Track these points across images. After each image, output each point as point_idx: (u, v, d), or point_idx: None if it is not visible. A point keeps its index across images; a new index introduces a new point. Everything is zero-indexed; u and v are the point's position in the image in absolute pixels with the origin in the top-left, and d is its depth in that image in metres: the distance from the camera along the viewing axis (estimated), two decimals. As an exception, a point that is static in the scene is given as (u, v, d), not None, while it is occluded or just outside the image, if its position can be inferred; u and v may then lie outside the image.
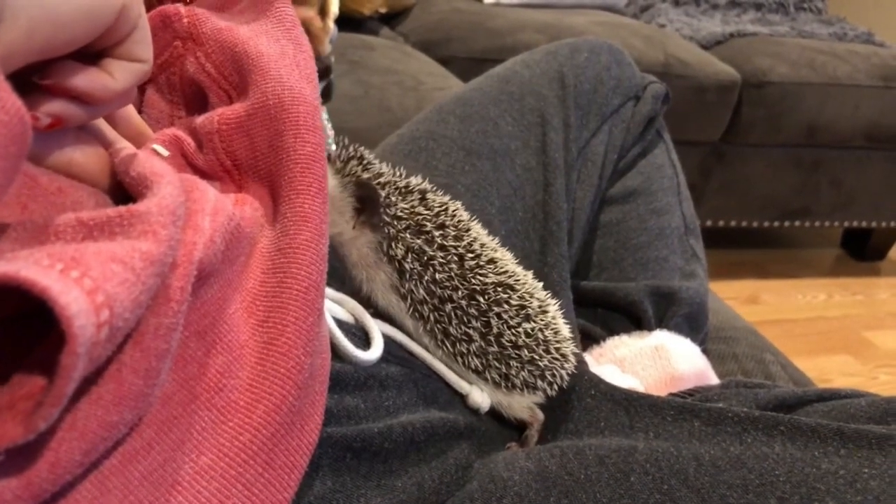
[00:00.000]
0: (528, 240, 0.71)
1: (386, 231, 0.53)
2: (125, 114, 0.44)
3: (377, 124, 1.29)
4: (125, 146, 0.41)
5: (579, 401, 0.58)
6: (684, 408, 0.53)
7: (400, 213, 0.54)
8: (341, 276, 0.57)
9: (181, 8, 0.49)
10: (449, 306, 0.53)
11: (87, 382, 0.29)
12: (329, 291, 0.51)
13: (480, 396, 0.55)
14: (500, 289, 0.54)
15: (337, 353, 0.46)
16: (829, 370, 2.11)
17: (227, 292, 0.39)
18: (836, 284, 2.55)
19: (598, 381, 0.59)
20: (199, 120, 0.46)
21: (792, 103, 2.23)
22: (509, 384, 0.55)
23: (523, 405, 0.57)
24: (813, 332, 2.28)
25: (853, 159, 2.40)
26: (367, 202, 0.53)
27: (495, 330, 0.54)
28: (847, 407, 0.54)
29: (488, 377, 0.55)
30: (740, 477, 0.45)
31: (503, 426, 0.59)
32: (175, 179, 0.36)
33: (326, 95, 1.35)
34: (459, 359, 0.54)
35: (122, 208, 0.32)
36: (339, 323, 0.49)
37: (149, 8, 0.54)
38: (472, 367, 0.54)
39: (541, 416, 0.58)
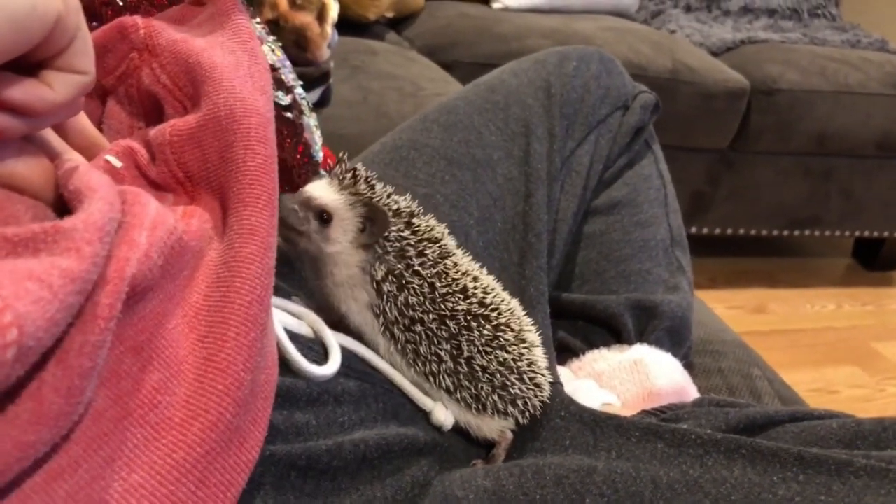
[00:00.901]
0: (506, 251, 0.70)
1: (375, 251, 0.53)
2: (77, 125, 0.43)
3: (373, 130, 1.29)
4: (73, 158, 0.41)
5: (548, 421, 0.57)
6: (649, 429, 0.52)
7: (390, 237, 0.53)
8: (310, 290, 0.57)
9: (138, 19, 0.49)
10: (419, 327, 0.53)
11: (4, 400, 0.29)
12: (289, 305, 0.51)
13: (444, 414, 0.55)
14: (470, 317, 0.54)
15: (290, 368, 0.46)
16: (836, 381, 2.08)
17: (168, 307, 0.38)
18: (845, 294, 2.52)
19: (569, 403, 0.58)
20: (153, 132, 0.46)
21: (802, 111, 2.21)
22: (480, 406, 0.55)
23: (493, 427, 0.56)
24: (821, 342, 2.26)
25: (864, 168, 2.37)
26: (373, 224, 0.53)
27: (466, 353, 0.53)
28: (817, 429, 0.53)
29: (459, 397, 0.54)
30: (696, 502, 0.44)
31: (470, 442, 0.58)
32: (109, 194, 0.35)
33: (324, 101, 1.35)
34: (431, 378, 0.54)
35: (47, 224, 0.32)
36: (297, 337, 0.48)
37: (102, 17, 0.54)
38: (444, 386, 0.54)
39: (510, 436, 0.57)
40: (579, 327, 0.76)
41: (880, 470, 0.44)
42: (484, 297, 0.55)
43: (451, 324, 0.53)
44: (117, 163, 0.44)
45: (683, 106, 2.10)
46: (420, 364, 0.53)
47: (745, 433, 0.54)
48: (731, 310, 2.32)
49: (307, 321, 0.50)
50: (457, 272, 0.55)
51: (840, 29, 2.80)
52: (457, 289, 0.54)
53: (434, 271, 0.54)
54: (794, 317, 2.36)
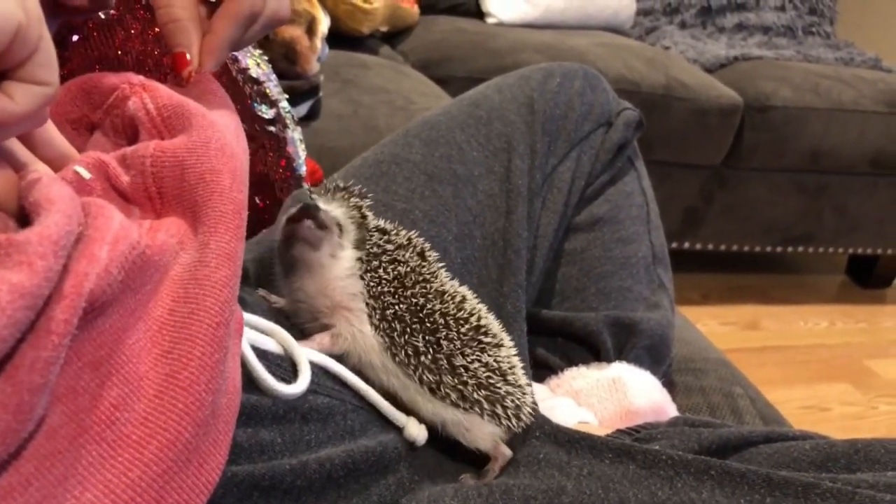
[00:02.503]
0: (485, 268, 0.70)
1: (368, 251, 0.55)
2: (45, 136, 0.43)
3: (362, 143, 1.29)
4: (38, 169, 0.41)
5: (522, 440, 0.57)
6: (622, 450, 0.52)
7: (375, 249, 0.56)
8: (291, 291, 0.57)
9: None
10: (397, 319, 0.54)
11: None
12: (258, 321, 0.50)
13: (417, 429, 0.54)
14: (448, 318, 0.54)
15: (258, 386, 0.46)
16: (828, 399, 2.08)
17: (129, 321, 0.38)
18: (839, 311, 2.52)
19: (543, 422, 0.58)
20: (132, 147, 0.46)
21: (795, 128, 2.21)
22: (467, 405, 0.54)
23: (485, 433, 0.55)
24: (814, 359, 2.25)
25: (858, 185, 2.37)
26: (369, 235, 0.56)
27: (446, 350, 0.53)
28: (790, 450, 0.52)
29: (443, 394, 0.53)
30: None
31: (446, 457, 0.57)
32: (68, 207, 0.35)
33: (313, 114, 1.35)
34: (413, 372, 0.53)
35: (0, 236, 0.32)
36: (265, 354, 0.48)
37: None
38: (426, 381, 0.53)
39: (507, 452, 0.56)
40: (558, 344, 0.76)
41: (846, 493, 0.44)
42: (462, 303, 0.55)
43: (426, 319, 0.53)
44: (86, 174, 0.44)
45: (677, 122, 2.11)
46: (403, 356, 0.53)
47: (718, 454, 0.54)
48: (724, 326, 2.31)
49: (277, 339, 0.50)
50: (432, 276, 0.56)
51: (834, 46, 2.81)
52: (431, 290, 0.54)
53: (407, 269, 0.55)
54: (787, 333, 2.36)
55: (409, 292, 0.54)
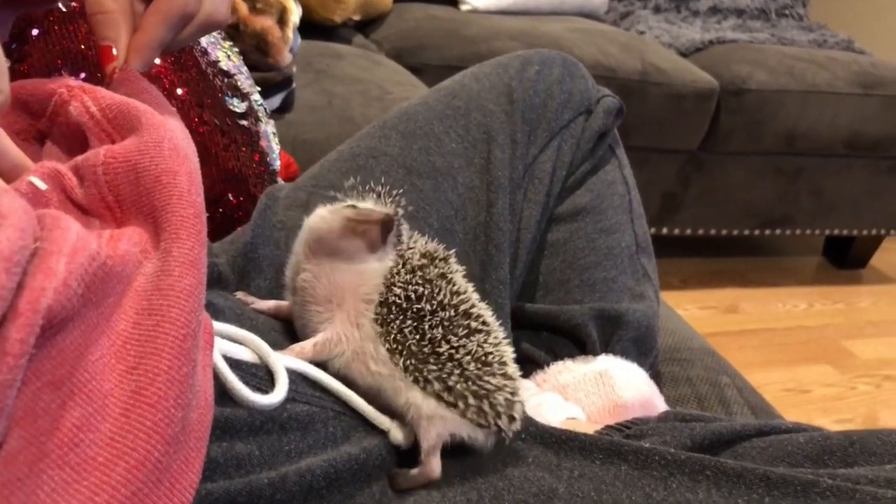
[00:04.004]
0: (467, 263, 0.68)
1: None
2: None
3: (337, 134, 1.26)
4: None
5: (508, 443, 0.54)
6: (612, 450, 0.50)
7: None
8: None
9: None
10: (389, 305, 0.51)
11: None
12: (230, 330, 0.48)
13: (401, 433, 0.52)
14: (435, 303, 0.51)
15: (232, 398, 0.44)
16: (808, 380, 2.09)
17: (91, 337, 0.36)
18: (816, 293, 2.53)
19: (529, 423, 0.56)
20: (82, 157, 0.43)
21: (771, 111, 2.21)
22: (452, 399, 0.50)
23: (439, 432, 0.51)
24: (793, 341, 2.27)
25: (834, 167, 2.39)
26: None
27: (428, 335, 0.50)
28: (784, 444, 0.51)
29: (429, 389, 0.50)
30: None
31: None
32: (21, 220, 0.33)
33: (287, 106, 1.32)
34: (399, 357, 0.50)
35: (-53, 255, 0.29)
36: (238, 364, 0.46)
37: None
38: (406, 366, 0.50)
39: (436, 471, 0.51)
40: (543, 338, 0.75)
41: (847, 490, 0.42)
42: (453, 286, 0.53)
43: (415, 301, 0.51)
44: (41, 185, 0.41)
45: (653, 107, 2.10)
46: (392, 340, 0.50)
47: (711, 449, 0.53)
48: (703, 310, 2.32)
49: (252, 347, 0.48)
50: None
51: (807, 29, 2.82)
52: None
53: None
54: (766, 316, 2.37)
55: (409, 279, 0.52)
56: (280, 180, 0.88)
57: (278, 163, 0.88)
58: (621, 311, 0.73)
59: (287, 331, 0.57)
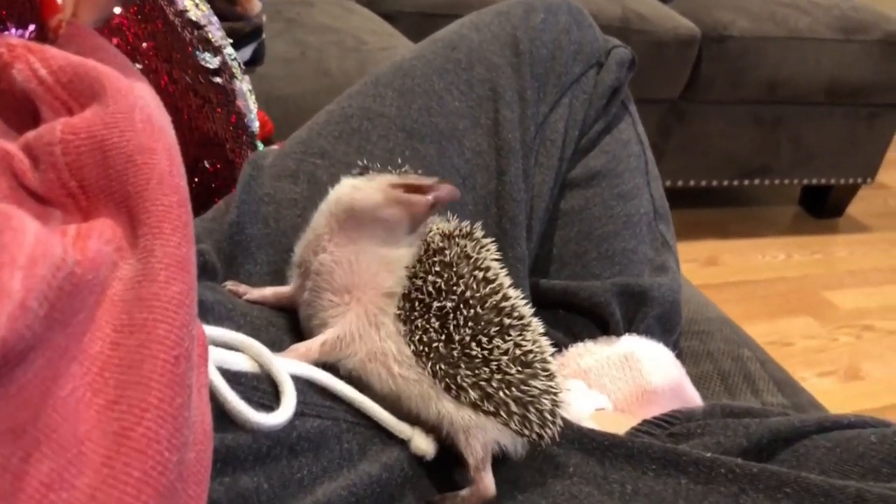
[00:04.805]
0: (478, 238, 0.61)
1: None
2: None
3: (314, 90, 1.17)
4: None
5: (543, 450, 0.47)
6: (668, 460, 0.44)
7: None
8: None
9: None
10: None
11: None
12: (226, 335, 0.41)
13: (425, 442, 0.45)
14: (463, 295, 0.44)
15: (232, 420, 0.36)
16: (790, 333, 2.07)
17: (59, 367, 0.28)
18: (794, 243, 2.51)
19: (564, 426, 0.49)
20: (33, 133, 0.35)
21: (753, 58, 2.16)
22: (491, 405, 0.43)
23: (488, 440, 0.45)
24: (773, 293, 2.25)
25: (813, 115, 2.35)
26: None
27: (456, 336, 0.43)
28: (854, 444, 0.45)
29: (458, 386, 0.43)
30: None
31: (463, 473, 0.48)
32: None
33: (257, 58, 1.23)
34: (426, 362, 0.43)
35: None
36: (238, 377, 0.39)
37: None
38: (436, 372, 0.43)
39: (490, 489, 0.44)
40: (560, 317, 0.68)
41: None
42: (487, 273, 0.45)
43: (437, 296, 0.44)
44: (-16, 169, 0.33)
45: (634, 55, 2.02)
46: (417, 342, 0.43)
47: (770, 449, 0.47)
48: (685, 263, 2.27)
49: (251, 354, 0.40)
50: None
51: (787, -28, 2.75)
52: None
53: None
54: (746, 268, 2.34)
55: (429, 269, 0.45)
56: (259, 144, 0.80)
57: (257, 124, 0.79)
58: (646, 287, 0.66)
59: (288, 324, 0.49)
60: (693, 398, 0.63)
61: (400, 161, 0.56)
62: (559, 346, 0.66)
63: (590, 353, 0.64)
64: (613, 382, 0.61)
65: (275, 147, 0.74)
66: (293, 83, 1.19)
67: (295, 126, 0.69)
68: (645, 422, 0.53)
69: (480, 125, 0.66)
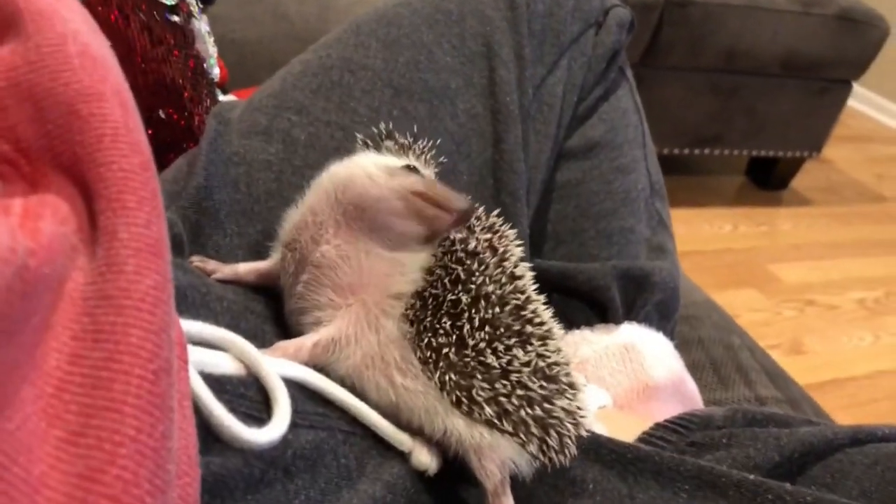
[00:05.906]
0: (473, 212, 0.55)
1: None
2: None
3: (271, 35, 1.08)
4: None
5: (561, 466, 0.42)
6: (704, 480, 0.39)
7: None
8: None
9: None
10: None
11: None
12: (206, 331, 0.34)
13: (426, 455, 0.39)
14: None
15: (218, 437, 0.30)
16: (737, 305, 2.08)
17: (5, 391, 0.22)
18: (741, 214, 2.52)
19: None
20: None
21: (713, 25, 2.14)
22: (508, 423, 0.38)
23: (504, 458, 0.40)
24: (720, 264, 2.25)
25: (768, 87, 2.35)
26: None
27: (471, 343, 0.37)
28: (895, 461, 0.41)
29: (471, 399, 0.38)
30: None
31: (462, 485, 0.42)
32: None
33: (209, -3, 1.12)
34: (433, 372, 0.37)
35: None
36: (223, 382, 0.32)
37: None
38: (444, 382, 0.37)
39: None
40: (554, 301, 0.62)
41: None
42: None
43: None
44: None
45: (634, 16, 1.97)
46: (425, 348, 0.38)
47: (803, 463, 0.43)
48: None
49: (234, 352, 0.34)
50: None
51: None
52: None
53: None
54: (694, 237, 2.34)
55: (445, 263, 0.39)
56: (219, 92, 0.72)
57: (217, 70, 0.71)
58: (648, 271, 0.61)
59: (266, 309, 0.43)
60: (693, 393, 0.59)
61: (385, 121, 0.50)
62: (553, 332, 0.61)
63: (587, 342, 0.58)
64: (613, 376, 0.56)
65: (234, 97, 0.66)
66: (249, 27, 1.09)
67: (251, 73, 0.62)
68: (658, 426, 0.48)
69: (474, 85, 0.59)
